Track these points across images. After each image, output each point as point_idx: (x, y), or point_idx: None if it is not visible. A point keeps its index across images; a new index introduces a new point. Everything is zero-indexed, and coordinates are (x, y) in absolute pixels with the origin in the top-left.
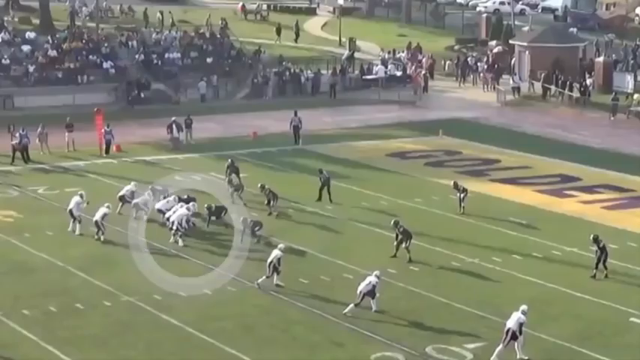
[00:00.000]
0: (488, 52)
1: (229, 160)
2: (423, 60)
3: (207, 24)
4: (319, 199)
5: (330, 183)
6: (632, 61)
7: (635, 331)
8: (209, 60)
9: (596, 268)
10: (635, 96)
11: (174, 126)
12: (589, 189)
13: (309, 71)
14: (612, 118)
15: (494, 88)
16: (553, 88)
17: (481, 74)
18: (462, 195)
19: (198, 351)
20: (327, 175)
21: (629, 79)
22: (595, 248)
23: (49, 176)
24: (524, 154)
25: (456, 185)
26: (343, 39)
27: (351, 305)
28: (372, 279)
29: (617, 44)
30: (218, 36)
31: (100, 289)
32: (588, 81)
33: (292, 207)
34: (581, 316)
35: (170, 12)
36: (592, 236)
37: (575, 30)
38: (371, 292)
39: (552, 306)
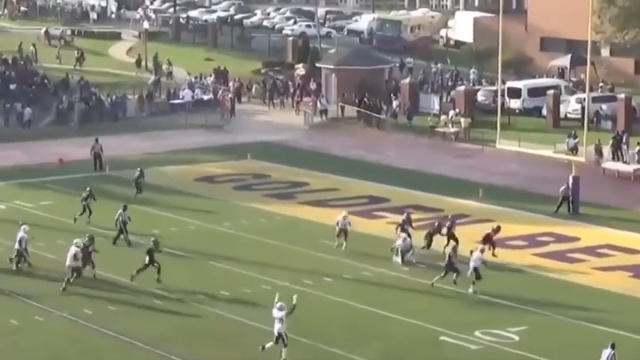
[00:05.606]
0: (295, 75)
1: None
2: (230, 83)
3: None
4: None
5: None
6: (438, 83)
7: (446, 349)
8: (12, 87)
9: None
10: (442, 117)
11: None
12: (398, 209)
13: (114, 96)
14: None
15: (305, 111)
16: (356, 109)
17: (296, 97)
18: None
19: None
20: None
21: (435, 100)
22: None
23: None
24: (333, 175)
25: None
26: (149, 64)
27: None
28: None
29: (421, 66)
30: (21, 62)
31: None
32: (394, 103)
33: (100, 234)
34: (392, 336)
35: None
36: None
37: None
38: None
39: (363, 327)
